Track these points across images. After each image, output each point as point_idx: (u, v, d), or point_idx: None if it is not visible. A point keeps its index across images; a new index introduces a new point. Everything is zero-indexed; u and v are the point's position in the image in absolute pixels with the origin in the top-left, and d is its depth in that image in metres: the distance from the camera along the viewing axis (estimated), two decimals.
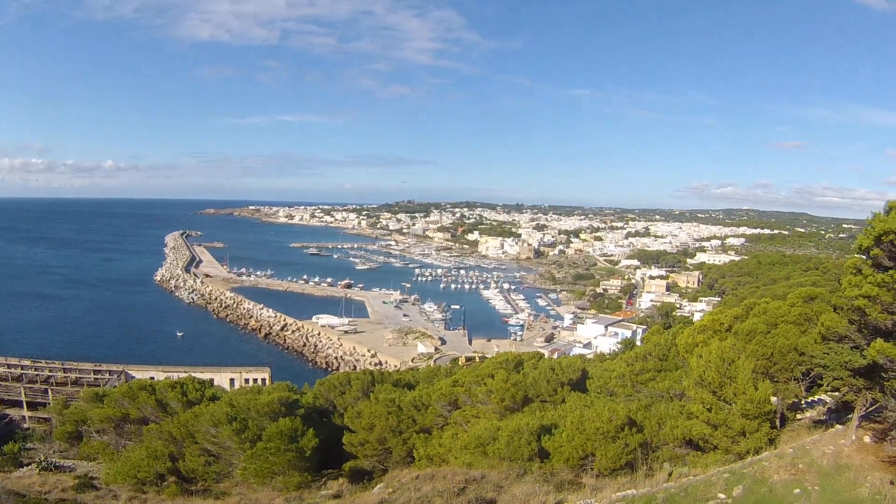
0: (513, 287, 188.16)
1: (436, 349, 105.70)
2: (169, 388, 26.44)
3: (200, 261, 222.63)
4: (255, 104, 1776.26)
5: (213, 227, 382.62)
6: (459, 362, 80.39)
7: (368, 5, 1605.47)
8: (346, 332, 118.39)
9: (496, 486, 15.08)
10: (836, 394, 19.63)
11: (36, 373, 70.84)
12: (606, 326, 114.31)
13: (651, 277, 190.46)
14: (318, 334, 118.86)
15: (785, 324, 20.21)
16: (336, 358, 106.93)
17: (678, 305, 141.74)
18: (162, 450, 21.16)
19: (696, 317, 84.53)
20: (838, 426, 16.64)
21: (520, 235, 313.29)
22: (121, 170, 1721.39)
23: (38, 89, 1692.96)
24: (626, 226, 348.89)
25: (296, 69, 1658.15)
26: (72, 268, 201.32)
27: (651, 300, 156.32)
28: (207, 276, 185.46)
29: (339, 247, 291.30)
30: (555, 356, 59.70)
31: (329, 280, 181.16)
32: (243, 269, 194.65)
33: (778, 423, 17.93)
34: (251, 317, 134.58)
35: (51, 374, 71.27)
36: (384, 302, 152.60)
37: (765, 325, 20.87)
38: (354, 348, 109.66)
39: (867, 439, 14.66)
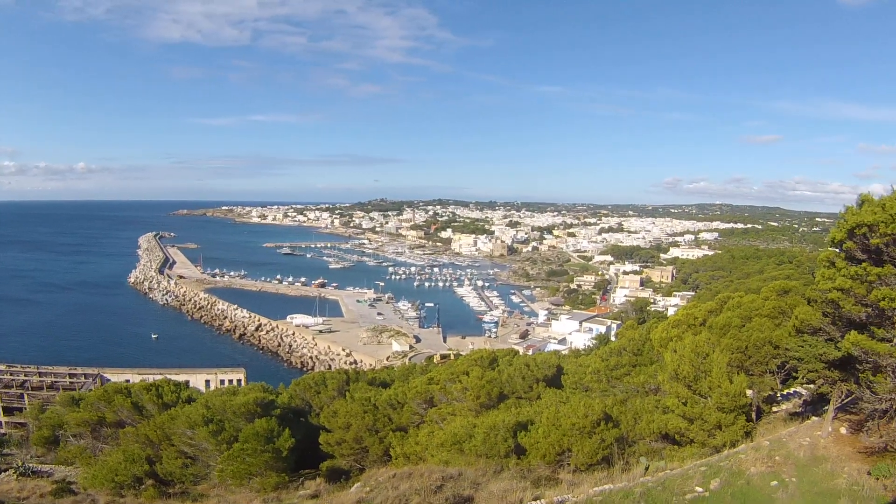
0: (487, 284, 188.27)
1: (410, 347, 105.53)
2: (144, 391, 26.18)
3: (174, 262, 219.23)
4: (226, 105, 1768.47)
5: (187, 228, 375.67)
6: (434, 360, 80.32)
7: (340, 4, 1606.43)
8: (320, 331, 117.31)
9: (473, 483, 14.95)
10: (812, 386, 19.83)
11: (11, 377, 69.84)
12: (581, 322, 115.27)
13: (625, 273, 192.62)
14: (293, 334, 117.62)
15: (759, 317, 20.32)
16: (311, 357, 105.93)
17: (652, 300, 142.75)
18: (139, 453, 21.04)
19: (671, 311, 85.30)
20: (814, 418, 16.80)
21: (493, 232, 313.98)
22: (93, 172, 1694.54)
23: (8, 91, 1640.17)
24: (599, 222, 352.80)
25: (267, 69, 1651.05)
26: (45, 271, 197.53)
27: (625, 295, 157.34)
28: (181, 277, 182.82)
29: (313, 246, 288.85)
30: (530, 352, 59.96)
31: (303, 279, 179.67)
32: (217, 270, 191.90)
33: (754, 415, 18.03)
34: (225, 318, 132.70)
35: (26, 378, 70.34)
36: (358, 301, 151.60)
37: (739, 318, 20.99)
38: (329, 347, 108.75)
39: (843, 430, 14.77)
